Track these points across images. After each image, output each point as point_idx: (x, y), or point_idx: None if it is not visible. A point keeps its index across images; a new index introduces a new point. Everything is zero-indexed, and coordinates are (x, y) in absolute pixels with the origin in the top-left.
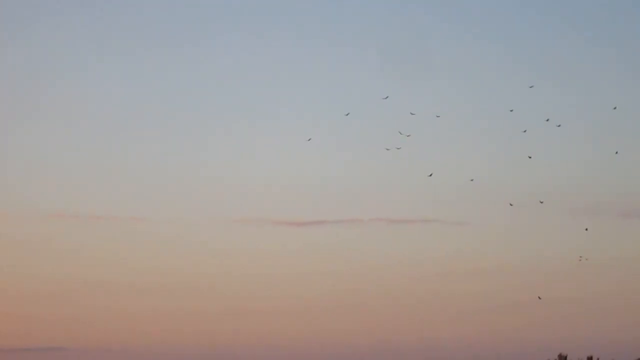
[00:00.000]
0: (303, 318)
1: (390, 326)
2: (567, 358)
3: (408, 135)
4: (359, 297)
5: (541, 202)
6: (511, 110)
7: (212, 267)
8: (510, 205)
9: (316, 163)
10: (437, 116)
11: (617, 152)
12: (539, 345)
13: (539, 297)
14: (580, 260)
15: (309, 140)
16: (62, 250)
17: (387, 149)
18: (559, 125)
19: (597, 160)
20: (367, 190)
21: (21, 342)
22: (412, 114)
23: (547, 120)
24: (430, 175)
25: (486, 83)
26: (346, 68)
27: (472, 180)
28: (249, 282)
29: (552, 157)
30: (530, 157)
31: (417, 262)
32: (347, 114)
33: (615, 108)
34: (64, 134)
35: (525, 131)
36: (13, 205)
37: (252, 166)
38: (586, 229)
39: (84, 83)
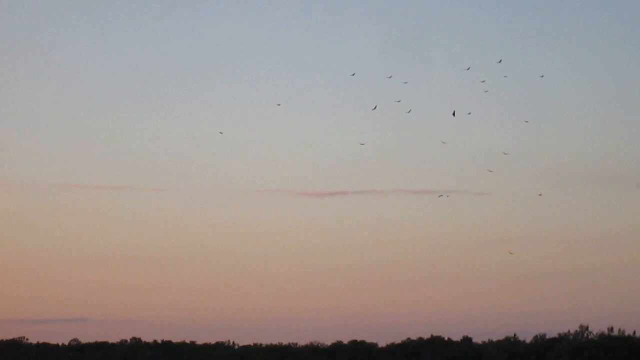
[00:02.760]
0: (323, 288)
1: (413, 296)
2: (589, 328)
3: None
4: (380, 268)
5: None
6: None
7: (232, 238)
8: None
9: (336, 135)
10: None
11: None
12: (560, 315)
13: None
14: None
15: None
16: (82, 222)
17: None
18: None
19: (618, 130)
20: (388, 161)
21: (45, 313)
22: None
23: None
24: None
25: (497, 50)
26: (362, 43)
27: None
28: (269, 253)
29: (573, 127)
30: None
31: (439, 232)
32: (352, 74)
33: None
34: (73, 104)
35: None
36: (29, 176)
37: (272, 137)
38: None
39: (84, 55)
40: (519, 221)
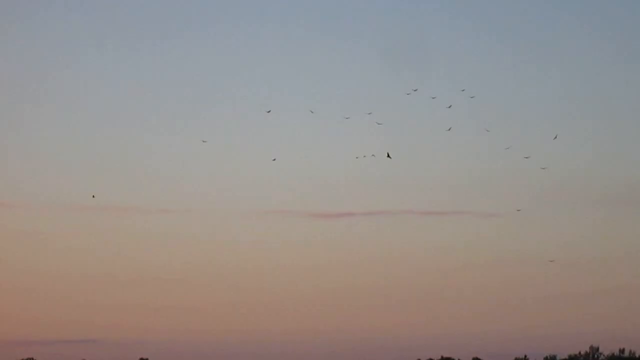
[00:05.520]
0: (332, 310)
1: (423, 317)
2: (599, 349)
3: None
4: (389, 289)
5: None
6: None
7: (240, 259)
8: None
9: (345, 156)
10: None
11: None
12: (571, 336)
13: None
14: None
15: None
16: (89, 243)
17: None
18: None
19: (625, 150)
20: (396, 182)
21: (56, 335)
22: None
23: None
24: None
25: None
26: (363, 64)
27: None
28: (278, 274)
29: (579, 146)
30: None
31: (448, 253)
32: (369, 113)
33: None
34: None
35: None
36: (35, 197)
37: (280, 158)
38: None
39: (93, 77)
40: (529, 242)
